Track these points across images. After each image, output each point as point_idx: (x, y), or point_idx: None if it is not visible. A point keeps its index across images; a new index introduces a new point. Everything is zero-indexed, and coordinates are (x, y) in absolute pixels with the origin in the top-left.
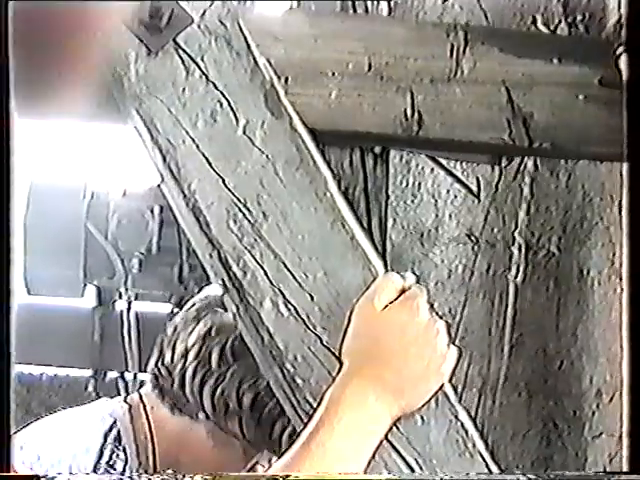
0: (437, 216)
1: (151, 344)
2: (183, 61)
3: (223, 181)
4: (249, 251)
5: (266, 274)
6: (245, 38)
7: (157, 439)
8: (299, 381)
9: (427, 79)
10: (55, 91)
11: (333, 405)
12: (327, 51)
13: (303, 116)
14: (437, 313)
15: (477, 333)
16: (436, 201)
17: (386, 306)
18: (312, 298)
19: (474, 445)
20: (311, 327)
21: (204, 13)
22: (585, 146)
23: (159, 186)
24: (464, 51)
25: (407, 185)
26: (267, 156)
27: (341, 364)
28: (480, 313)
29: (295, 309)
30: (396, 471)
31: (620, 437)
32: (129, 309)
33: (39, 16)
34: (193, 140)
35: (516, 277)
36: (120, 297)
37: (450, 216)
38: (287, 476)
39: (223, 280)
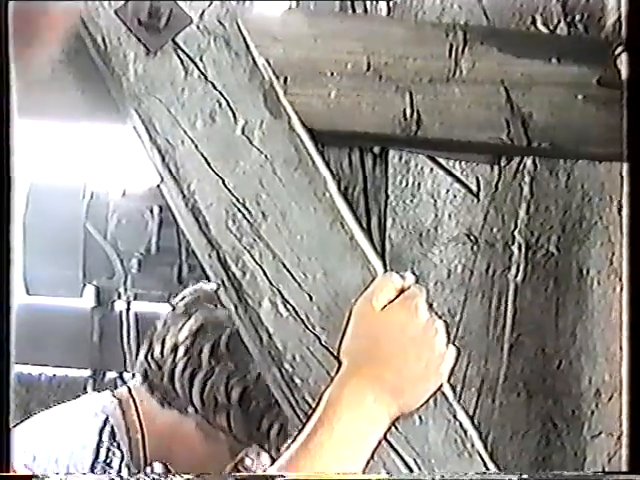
0: (436, 216)
1: None
2: (182, 61)
3: (222, 181)
4: (248, 251)
5: (265, 274)
6: (244, 38)
7: (148, 432)
8: (298, 381)
9: (426, 79)
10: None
11: (332, 405)
12: (326, 51)
13: (302, 116)
14: (436, 313)
15: (476, 333)
16: (435, 201)
17: (385, 306)
18: (311, 298)
19: (473, 445)
20: (310, 327)
21: (203, 13)
22: (584, 146)
23: (158, 186)
24: (463, 51)
25: (406, 185)
26: (266, 156)
27: (340, 364)
28: (479, 313)
29: (294, 309)
30: (395, 471)
31: (619, 437)
32: (128, 309)
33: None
34: (192, 140)
35: (515, 277)
36: (119, 297)
37: (449, 216)
38: (286, 476)
39: (222, 280)
